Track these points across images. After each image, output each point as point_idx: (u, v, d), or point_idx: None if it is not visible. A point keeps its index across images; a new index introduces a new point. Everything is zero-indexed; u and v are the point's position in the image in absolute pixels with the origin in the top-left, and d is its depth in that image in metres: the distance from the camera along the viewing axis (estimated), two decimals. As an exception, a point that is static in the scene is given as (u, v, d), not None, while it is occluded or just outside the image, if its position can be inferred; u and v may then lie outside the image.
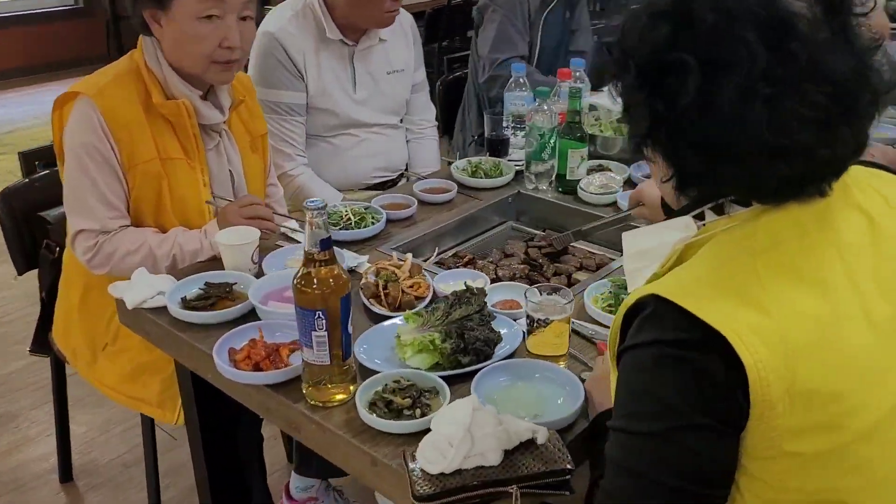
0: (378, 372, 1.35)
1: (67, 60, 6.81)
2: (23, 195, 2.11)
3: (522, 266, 1.90)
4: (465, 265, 1.91)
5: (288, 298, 1.57)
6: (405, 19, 2.57)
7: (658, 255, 1.06)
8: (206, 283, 1.64)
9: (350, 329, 1.29)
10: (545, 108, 2.08)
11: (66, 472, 2.43)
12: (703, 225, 1.02)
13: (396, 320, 1.50)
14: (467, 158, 2.30)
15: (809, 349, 0.87)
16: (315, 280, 1.23)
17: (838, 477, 0.91)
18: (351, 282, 1.30)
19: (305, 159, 2.41)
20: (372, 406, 1.27)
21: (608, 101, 2.61)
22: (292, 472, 2.17)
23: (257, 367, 1.38)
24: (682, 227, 1.04)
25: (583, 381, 1.31)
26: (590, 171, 2.19)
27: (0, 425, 2.69)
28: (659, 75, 0.92)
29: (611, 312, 1.52)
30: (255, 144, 2.03)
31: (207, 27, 1.72)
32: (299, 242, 1.85)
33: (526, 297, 1.38)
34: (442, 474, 1.09)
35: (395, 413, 1.26)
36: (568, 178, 2.13)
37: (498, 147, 2.35)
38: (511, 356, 1.41)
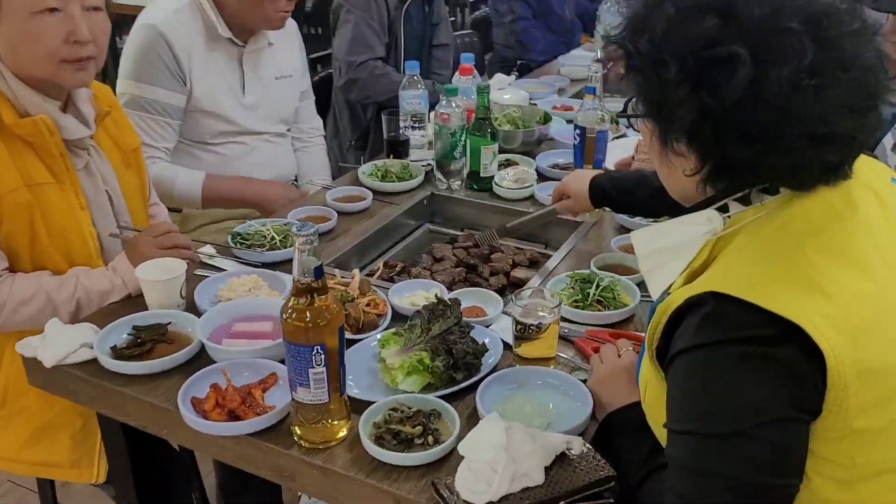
0: (363, 401, 1.26)
1: None
2: None
3: (458, 269, 1.86)
4: (397, 274, 1.84)
5: (241, 334, 1.43)
6: (290, 23, 2.42)
7: (679, 252, 1.05)
8: (135, 328, 1.46)
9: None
10: (454, 105, 2.04)
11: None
12: (728, 217, 1.03)
13: (369, 343, 1.40)
14: (372, 163, 2.21)
15: (870, 328, 0.90)
16: (310, 313, 1.12)
17: None
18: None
19: (169, 156, 2.18)
20: (378, 440, 1.18)
21: (499, 93, 2.63)
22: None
23: (233, 416, 1.24)
24: (704, 221, 1.04)
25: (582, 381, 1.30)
26: (499, 166, 2.17)
27: None
28: (707, 69, 0.91)
29: (578, 307, 1.51)
30: (127, 160, 1.81)
31: (47, 21, 1.48)
32: (220, 269, 1.69)
33: (514, 302, 1.34)
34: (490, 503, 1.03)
35: (407, 444, 1.17)
36: (482, 175, 2.11)
37: (399, 148, 2.27)
38: (496, 365, 1.37)
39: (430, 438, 1.18)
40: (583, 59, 3.37)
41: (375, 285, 1.62)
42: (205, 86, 2.14)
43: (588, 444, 1.13)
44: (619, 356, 1.29)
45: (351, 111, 3.02)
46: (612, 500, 1.08)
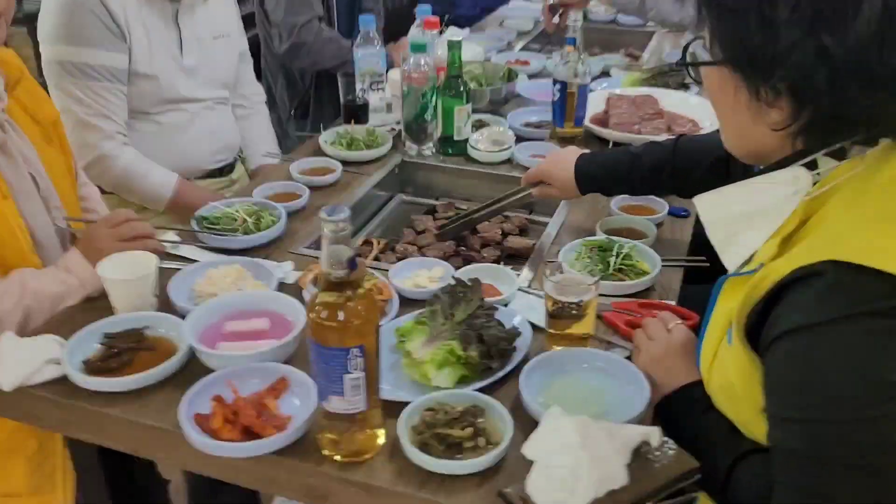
0: (390, 402, 1.11)
1: None
2: None
3: (447, 243, 1.71)
4: (381, 252, 1.69)
5: (236, 334, 1.25)
6: (219, -23, 2.18)
7: (760, 217, 0.94)
8: (107, 336, 1.25)
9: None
10: (422, 64, 1.87)
11: None
12: (818, 174, 0.93)
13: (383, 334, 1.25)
14: (334, 130, 2.03)
15: None
16: (345, 311, 0.96)
17: None
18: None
19: (127, 138, 1.97)
20: (424, 447, 1.04)
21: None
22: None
23: (248, 432, 1.07)
24: (790, 180, 0.93)
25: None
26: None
27: None
28: (827, 4, 0.80)
29: (580, 271, 1.40)
30: (47, 135, 1.57)
31: None
32: (188, 260, 1.50)
33: (547, 278, 1.21)
34: (575, 512, 0.91)
35: (455, 448, 1.04)
36: (456, 138, 1.96)
37: (358, 113, 2.09)
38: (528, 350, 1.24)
39: (482, 440, 1.05)
40: (525, 10, 3.24)
41: (371, 268, 1.46)
42: (142, 46, 1.90)
43: (665, 436, 1.02)
44: (669, 331, 1.19)
45: (287, 78, 2.78)
46: (696, 495, 0.99)
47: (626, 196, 1.67)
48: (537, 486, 0.94)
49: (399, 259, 1.62)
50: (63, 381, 1.18)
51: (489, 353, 1.18)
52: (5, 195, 1.40)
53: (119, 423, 1.14)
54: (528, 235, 1.80)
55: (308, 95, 2.79)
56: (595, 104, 2.11)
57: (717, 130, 1.09)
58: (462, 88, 1.91)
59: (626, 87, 2.34)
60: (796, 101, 0.88)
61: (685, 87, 2.33)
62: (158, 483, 1.89)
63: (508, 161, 1.95)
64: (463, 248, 1.72)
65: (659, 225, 1.61)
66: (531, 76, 2.47)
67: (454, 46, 1.88)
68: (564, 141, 1.96)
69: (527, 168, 1.89)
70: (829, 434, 0.82)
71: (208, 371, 1.19)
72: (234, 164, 2.26)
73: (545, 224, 1.84)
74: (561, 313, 1.21)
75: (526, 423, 1.08)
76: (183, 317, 1.29)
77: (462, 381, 1.17)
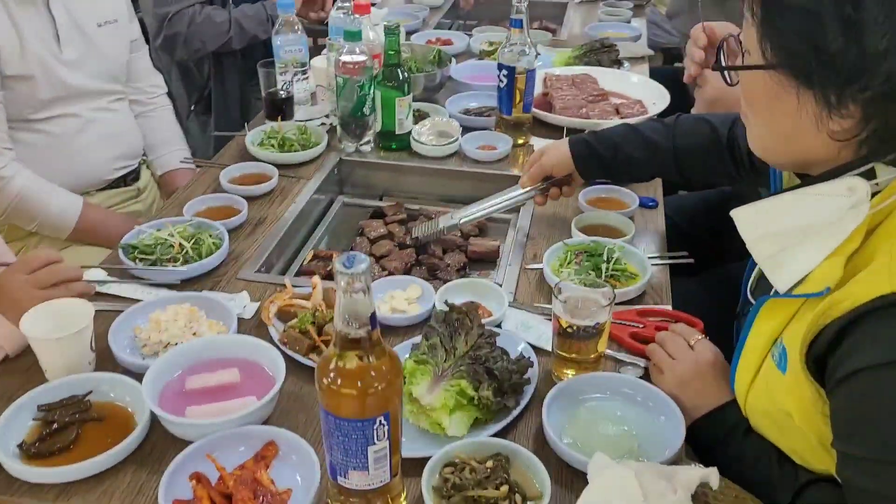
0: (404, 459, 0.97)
1: None
2: None
3: (407, 252, 1.57)
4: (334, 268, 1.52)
5: (203, 392, 1.07)
6: (97, -46, 1.91)
7: (816, 233, 0.86)
8: (41, 408, 1.04)
9: (400, 422, 0.89)
10: (357, 52, 1.70)
11: None
12: (876, 183, 0.85)
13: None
14: (260, 129, 1.82)
15: None
16: (368, 375, 0.81)
17: None
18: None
19: (14, 153, 1.70)
20: (455, 513, 0.91)
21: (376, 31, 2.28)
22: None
23: (244, 518, 0.90)
24: (844, 191, 0.85)
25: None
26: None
27: None
28: None
29: (588, 285, 1.30)
30: None
31: None
32: (123, 299, 1.28)
33: (555, 297, 1.10)
34: (647, 577, 0.81)
35: (491, 511, 0.92)
36: (397, 132, 1.80)
37: (283, 107, 1.89)
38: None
39: (518, 497, 0.93)
40: (433, -16, 3.07)
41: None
42: (11, 41, 1.63)
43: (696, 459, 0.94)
44: (692, 347, 1.10)
45: (181, 70, 2.49)
46: (759, 535, 0.91)
47: (594, 187, 1.58)
48: (604, 553, 0.83)
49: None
50: (-5, 473, 0.97)
51: (502, 389, 1.06)
52: None
53: (74, 520, 0.94)
54: (488, 234, 1.68)
55: (208, 87, 2.53)
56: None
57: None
58: (402, 78, 1.75)
59: (558, 65, 2.25)
60: (871, 109, 0.79)
61: (619, 63, 2.25)
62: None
63: (455, 154, 1.81)
64: (423, 255, 1.57)
65: (631, 218, 1.53)
66: (456, 56, 2.32)
67: (392, 33, 1.71)
68: (511, 128, 1.84)
69: (476, 161, 1.78)
70: None
71: (174, 441, 1.00)
72: (139, 170, 2.01)
73: (506, 221, 1.73)
74: (573, 335, 1.10)
75: (553, 464, 0.97)
76: (129, 373, 1.10)
77: (476, 424, 1.04)
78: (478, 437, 1.01)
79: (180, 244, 1.36)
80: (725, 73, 0.94)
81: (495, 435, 1.03)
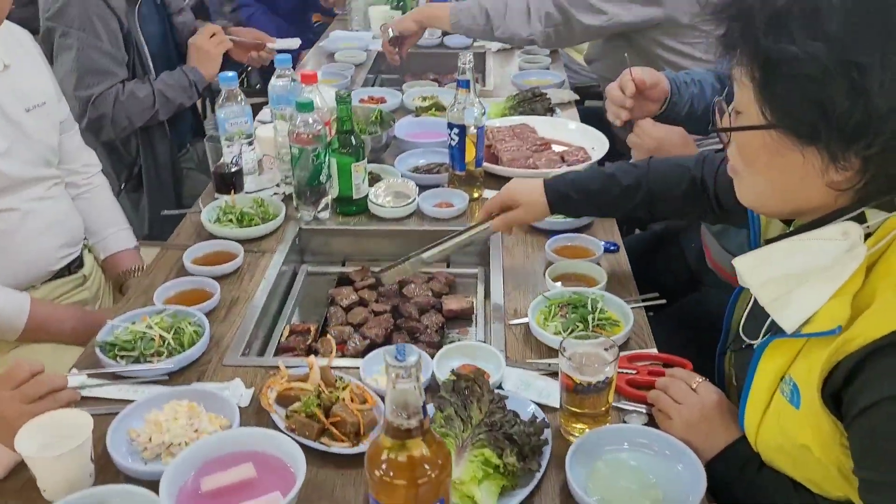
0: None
1: None
2: None
3: (384, 317, 1.57)
4: (314, 341, 1.51)
5: (221, 494, 1.04)
6: (21, 36, 1.85)
7: (817, 275, 0.92)
8: (51, 531, 0.99)
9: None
10: (311, 122, 1.70)
11: None
12: (867, 227, 0.92)
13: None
14: (214, 205, 1.79)
15: None
16: (422, 464, 0.81)
17: None
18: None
19: None
20: (506, 587, 0.91)
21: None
22: None
23: None
24: (839, 235, 0.92)
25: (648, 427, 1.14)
26: (365, 182, 1.88)
27: None
28: None
29: (582, 337, 1.33)
30: None
31: None
32: (108, 400, 1.23)
33: (561, 354, 1.12)
34: None
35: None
36: (355, 197, 1.80)
37: (233, 181, 1.86)
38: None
39: (564, 562, 0.94)
40: (353, 40, 3.11)
41: (335, 368, 1.29)
42: None
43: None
44: (695, 390, 1.15)
45: (107, 149, 2.38)
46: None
47: (559, 237, 1.63)
48: None
49: (340, 344, 1.46)
50: None
51: (523, 453, 1.07)
52: None
53: None
54: (457, 291, 1.70)
55: (137, 164, 2.46)
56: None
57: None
58: (356, 143, 1.76)
59: (493, 117, 2.31)
60: (872, 162, 0.86)
61: (551, 110, 2.34)
62: None
63: (413, 214, 1.83)
64: (401, 318, 1.58)
65: (598, 264, 1.58)
66: (393, 113, 2.34)
67: (344, 101, 1.73)
68: (465, 183, 1.87)
69: (435, 219, 1.80)
70: None
71: (204, 549, 0.97)
72: (81, 255, 1.93)
73: (473, 276, 1.76)
74: (584, 391, 1.13)
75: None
76: (131, 480, 1.06)
77: (504, 494, 1.05)
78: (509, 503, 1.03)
79: (161, 336, 1.32)
80: (722, 134, 1.00)
81: (525, 500, 1.04)
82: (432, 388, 1.25)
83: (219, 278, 1.55)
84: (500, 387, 1.25)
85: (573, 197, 1.45)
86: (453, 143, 1.84)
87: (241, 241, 1.67)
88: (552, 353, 1.35)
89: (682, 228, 2.00)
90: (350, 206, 1.81)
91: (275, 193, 1.90)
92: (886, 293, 0.87)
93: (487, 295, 1.67)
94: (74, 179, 1.97)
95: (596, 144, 2.08)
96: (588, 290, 1.44)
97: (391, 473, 0.81)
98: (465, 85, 1.79)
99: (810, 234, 0.95)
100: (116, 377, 1.27)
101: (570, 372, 1.12)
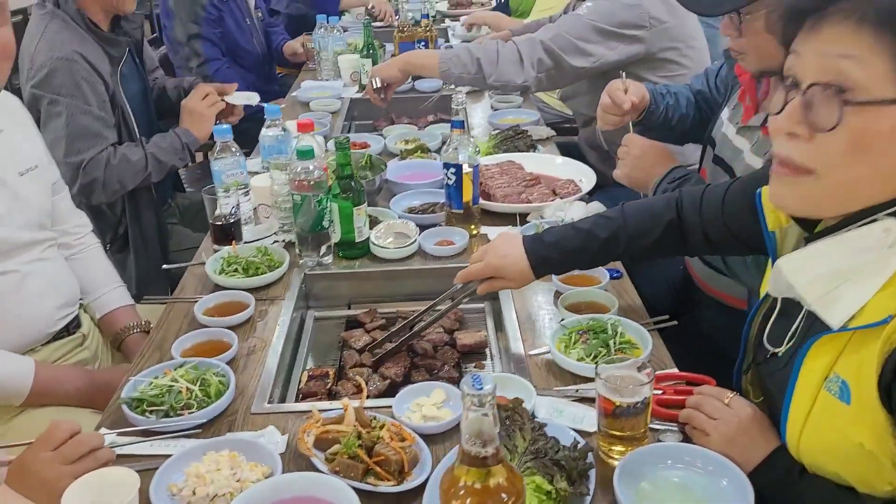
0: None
1: None
2: None
3: (399, 355, 1.58)
4: (334, 385, 1.51)
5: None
6: (9, 101, 1.84)
7: (860, 271, 0.96)
8: None
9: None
10: (311, 169, 1.72)
11: None
12: None
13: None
14: (217, 257, 1.78)
15: None
16: (503, 492, 0.82)
17: None
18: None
19: None
20: None
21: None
22: None
23: None
24: (881, 233, 0.95)
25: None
26: (364, 225, 1.90)
27: None
28: None
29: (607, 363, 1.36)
30: None
31: None
32: (140, 457, 1.21)
33: (598, 377, 1.15)
34: None
35: None
36: (357, 240, 1.82)
37: (232, 232, 1.87)
38: (585, 459, 1.17)
39: (629, 582, 0.96)
40: (325, 89, 3.14)
41: (368, 409, 1.29)
42: None
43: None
44: (727, 405, 1.18)
45: (93, 211, 2.34)
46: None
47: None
48: None
49: (357, 388, 1.46)
50: None
51: (571, 477, 1.09)
52: None
53: None
54: (467, 326, 1.72)
55: (122, 224, 2.43)
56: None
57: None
58: (356, 188, 1.79)
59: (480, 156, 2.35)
60: None
61: (533, 147, 2.40)
62: None
63: (415, 253, 1.85)
64: (417, 357, 1.59)
65: (605, 291, 1.62)
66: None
67: (343, 146, 1.75)
68: (462, 220, 1.91)
69: (437, 257, 1.83)
70: None
71: None
72: (79, 315, 1.90)
73: (480, 310, 1.78)
74: (623, 414, 1.15)
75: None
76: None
77: (555, 518, 1.07)
78: (564, 530, 1.04)
79: (188, 388, 1.31)
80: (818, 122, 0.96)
81: (578, 524, 1.06)
82: (466, 421, 1.26)
83: (232, 328, 1.55)
84: (532, 416, 1.27)
85: (556, 259, 1.47)
86: (450, 182, 1.87)
87: (249, 291, 1.67)
88: (577, 380, 1.38)
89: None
90: (353, 249, 1.83)
91: (274, 241, 1.90)
92: None
93: (498, 328, 1.70)
94: (67, 240, 1.95)
95: (583, 177, 2.14)
96: (604, 316, 1.48)
97: (469, 502, 0.82)
98: (458, 125, 1.84)
99: (852, 232, 0.98)
100: (147, 433, 1.25)
101: (608, 395, 1.15)
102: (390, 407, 1.30)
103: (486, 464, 0.82)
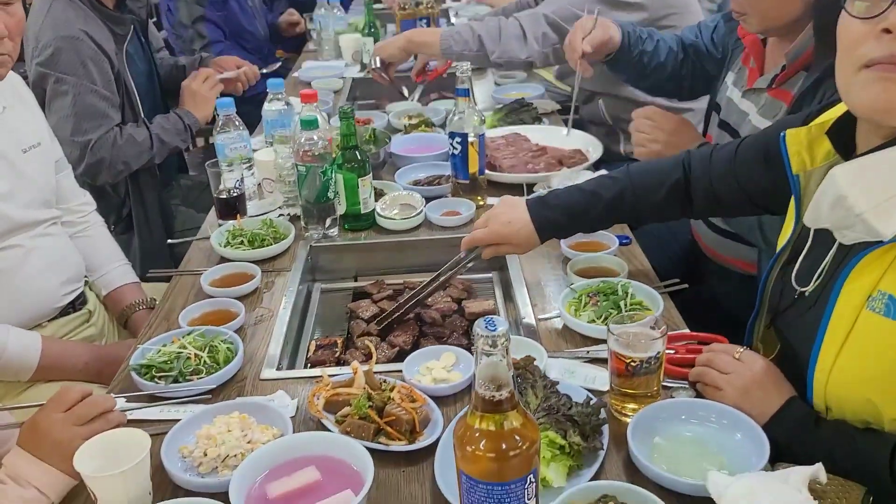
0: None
1: None
2: None
3: (408, 322, 1.57)
4: (343, 353, 1.50)
5: (290, 497, 1.02)
6: (13, 79, 1.82)
7: None
8: (120, 552, 0.96)
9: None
10: (315, 139, 1.71)
11: None
12: None
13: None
14: (221, 230, 1.77)
15: None
16: (518, 435, 0.81)
17: None
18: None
19: None
20: (595, 561, 0.92)
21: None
22: None
23: None
24: None
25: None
26: (370, 197, 1.88)
27: None
28: None
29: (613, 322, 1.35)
30: None
31: None
32: (151, 422, 1.21)
33: (610, 333, 1.14)
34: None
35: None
36: (363, 211, 1.81)
37: (236, 206, 1.85)
38: (598, 417, 1.16)
39: (646, 532, 0.95)
40: (326, 69, 3.13)
41: (378, 373, 1.28)
42: None
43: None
44: (739, 360, 1.17)
45: (96, 192, 2.34)
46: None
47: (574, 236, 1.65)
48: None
49: (366, 356, 1.45)
50: None
51: (584, 433, 1.08)
52: None
53: None
54: (475, 295, 1.71)
55: (126, 206, 2.42)
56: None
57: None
58: (361, 158, 1.77)
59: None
60: None
61: (539, 120, 2.38)
62: None
63: (422, 224, 1.84)
64: (425, 325, 1.58)
65: (614, 256, 1.61)
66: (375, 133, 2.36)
67: (347, 116, 1.74)
68: (468, 191, 1.89)
69: (444, 227, 1.82)
70: None
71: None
72: (84, 292, 1.89)
73: (488, 280, 1.77)
74: (636, 372, 1.14)
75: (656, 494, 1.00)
76: (190, 494, 1.04)
77: (571, 473, 1.06)
78: (578, 483, 1.03)
79: (196, 355, 1.30)
80: None
81: (594, 478, 1.05)
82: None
83: (239, 299, 1.54)
84: (544, 376, 1.26)
85: (561, 221, 1.46)
86: (455, 152, 1.86)
87: (255, 262, 1.66)
88: (587, 342, 1.37)
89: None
90: (358, 221, 1.82)
91: (280, 216, 1.89)
92: None
93: (506, 297, 1.69)
94: (71, 218, 1.94)
95: (591, 147, 2.12)
96: (615, 278, 1.47)
97: (483, 447, 0.81)
98: (463, 93, 1.82)
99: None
100: (156, 398, 1.25)
101: (621, 350, 1.14)
102: (400, 371, 1.29)
103: (500, 408, 0.81)
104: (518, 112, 2.38)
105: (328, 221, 1.80)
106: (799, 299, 1.12)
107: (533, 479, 0.83)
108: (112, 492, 1.01)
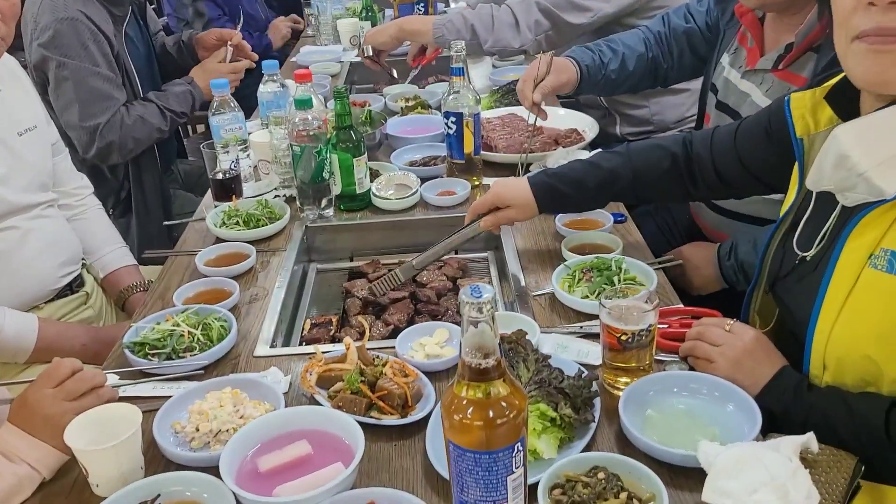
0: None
1: None
2: None
3: (404, 301, 1.57)
4: (338, 331, 1.50)
5: (282, 469, 1.02)
6: (6, 62, 1.82)
7: None
8: (112, 525, 0.96)
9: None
10: (310, 119, 1.70)
11: None
12: None
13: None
14: (218, 210, 1.77)
15: None
16: (504, 403, 0.81)
17: None
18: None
19: None
20: (584, 531, 0.92)
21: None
22: None
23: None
24: None
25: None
26: (365, 178, 1.88)
27: None
28: None
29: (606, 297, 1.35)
30: None
31: None
32: (143, 398, 1.21)
33: (602, 306, 1.14)
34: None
35: (615, 520, 0.93)
36: (358, 192, 1.81)
37: (232, 187, 1.85)
38: (590, 390, 1.16)
39: (636, 502, 0.95)
40: (324, 54, 3.12)
41: (372, 350, 1.28)
42: None
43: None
44: (729, 331, 1.16)
45: (93, 174, 2.35)
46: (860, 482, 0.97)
47: (568, 213, 1.64)
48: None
49: (360, 334, 1.45)
50: None
51: (576, 405, 1.08)
52: None
53: None
54: (470, 274, 1.71)
55: (124, 189, 2.42)
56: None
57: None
58: (356, 139, 1.77)
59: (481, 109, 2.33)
60: None
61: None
62: None
63: (417, 204, 1.83)
64: (420, 303, 1.58)
65: (609, 234, 1.60)
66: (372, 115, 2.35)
67: (341, 95, 1.73)
68: (464, 171, 1.89)
69: (439, 207, 1.81)
70: None
71: (273, 525, 0.95)
72: (82, 274, 1.90)
73: (483, 259, 1.77)
74: (628, 346, 1.14)
75: (648, 465, 0.99)
76: (183, 468, 1.04)
77: (562, 445, 1.06)
78: (569, 454, 1.03)
79: (189, 332, 1.30)
80: None
81: (585, 450, 1.05)
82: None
83: (233, 278, 1.54)
84: (536, 350, 1.26)
85: (559, 189, 1.46)
86: (451, 132, 1.85)
87: (250, 243, 1.66)
88: (581, 317, 1.37)
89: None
90: (354, 201, 1.82)
91: (275, 196, 1.89)
92: None
93: (501, 276, 1.69)
94: (68, 202, 1.94)
95: (586, 127, 2.11)
96: (609, 255, 1.46)
97: (470, 415, 0.81)
98: (458, 72, 1.81)
99: None
100: (149, 375, 1.25)
101: (613, 323, 1.13)
102: (393, 347, 1.29)
103: (487, 376, 0.81)
104: (514, 93, 2.36)
105: (323, 202, 1.80)
106: (800, 264, 1.12)
107: (521, 448, 0.83)
108: (104, 466, 1.01)
